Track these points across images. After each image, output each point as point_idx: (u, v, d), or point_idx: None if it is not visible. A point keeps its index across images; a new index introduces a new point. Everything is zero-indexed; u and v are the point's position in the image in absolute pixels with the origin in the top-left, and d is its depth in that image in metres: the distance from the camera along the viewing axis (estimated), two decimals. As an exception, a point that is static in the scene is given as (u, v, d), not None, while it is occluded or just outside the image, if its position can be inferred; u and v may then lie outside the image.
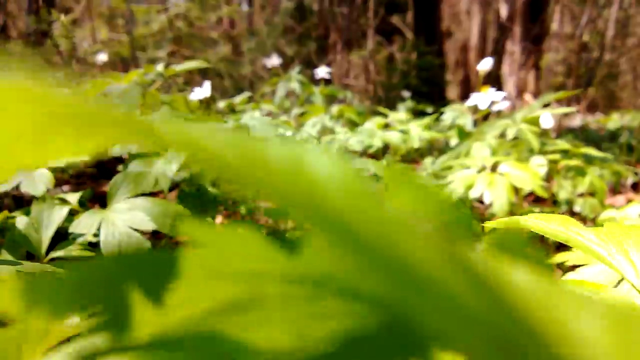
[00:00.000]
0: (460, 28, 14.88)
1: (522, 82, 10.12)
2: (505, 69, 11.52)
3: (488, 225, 0.48)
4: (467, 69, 13.81)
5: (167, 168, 1.01)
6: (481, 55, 10.89)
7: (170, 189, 0.98)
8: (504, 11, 11.12)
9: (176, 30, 6.91)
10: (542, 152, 1.52)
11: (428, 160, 1.88)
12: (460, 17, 14.85)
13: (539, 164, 1.47)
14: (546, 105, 1.82)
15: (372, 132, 2.01)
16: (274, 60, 3.06)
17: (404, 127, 2.11)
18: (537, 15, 11.71)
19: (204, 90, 1.82)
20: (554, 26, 16.71)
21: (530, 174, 1.29)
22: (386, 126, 2.24)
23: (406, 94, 3.30)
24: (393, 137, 1.95)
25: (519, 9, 11.45)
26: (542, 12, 11.69)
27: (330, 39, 9.98)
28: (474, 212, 1.71)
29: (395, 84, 8.70)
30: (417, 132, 2.05)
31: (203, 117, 1.57)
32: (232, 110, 2.87)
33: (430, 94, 9.12)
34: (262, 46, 7.71)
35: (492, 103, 2.32)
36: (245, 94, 2.79)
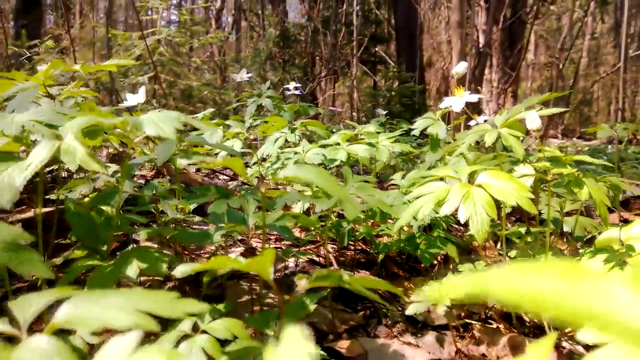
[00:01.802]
0: (441, 58, 14.85)
1: (500, 109, 9.95)
2: (484, 97, 11.40)
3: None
4: (448, 97, 13.71)
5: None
6: (461, 83, 10.75)
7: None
8: (482, 41, 11.03)
9: (158, 56, 6.64)
10: (526, 162, 1.22)
11: (397, 176, 1.58)
12: (441, 47, 14.83)
13: (525, 174, 1.17)
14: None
15: (336, 147, 1.71)
16: (243, 75, 2.77)
17: (373, 140, 1.82)
18: (513, 46, 11.66)
19: (137, 97, 1.51)
20: (530, 55, 16.76)
21: (514, 185, 0.99)
22: (355, 140, 1.95)
23: (382, 111, 3.01)
24: (359, 150, 1.65)
25: (497, 39, 11.39)
26: (518, 42, 11.63)
27: (316, 68, 9.80)
28: (451, 235, 1.39)
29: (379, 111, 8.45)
30: (387, 144, 1.75)
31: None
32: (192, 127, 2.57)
33: (410, 122, 8.92)
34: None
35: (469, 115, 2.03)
36: (209, 111, 2.50)
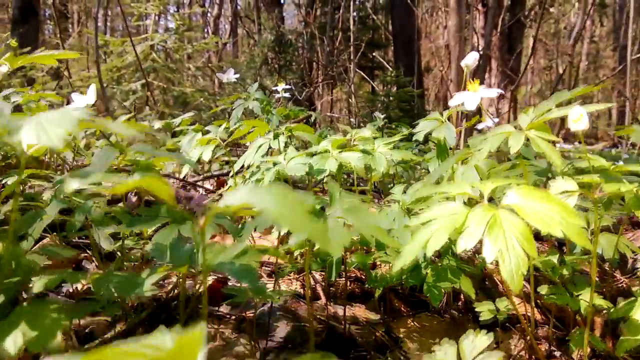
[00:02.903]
0: (439, 62, 14.59)
1: (500, 113, 9.68)
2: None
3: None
4: (447, 102, 13.44)
5: None
6: (460, 88, 10.49)
7: None
8: (482, 45, 10.78)
9: (151, 62, 6.37)
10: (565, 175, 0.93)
11: (398, 189, 1.30)
12: (439, 52, 14.57)
13: (567, 191, 0.88)
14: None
15: (325, 155, 1.43)
16: (230, 75, 2.49)
17: (369, 147, 1.53)
18: (512, 49, 11.40)
19: (86, 97, 1.24)
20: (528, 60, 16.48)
21: (557, 208, 0.71)
22: (348, 146, 1.67)
23: (380, 115, 2.73)
24: (352, 158, 1.37)
25: (496, 43, 11.14)
26: (517, 46, 11.38)
27: (313, 74, 9.53)
28: (463, 264, 1.10)
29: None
30: (384, 152, 1.47)
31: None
32: (172, 132, 2.29)
33: (411, 126, 8.65)
34: (242, 78, 7.20)
35: (480, 116, 1.76)
36: (188, 115, 2.22)
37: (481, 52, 9.33)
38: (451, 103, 1.07)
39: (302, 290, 1.28)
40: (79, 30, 13.90)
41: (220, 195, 1.98)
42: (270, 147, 1.73)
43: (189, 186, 1.99)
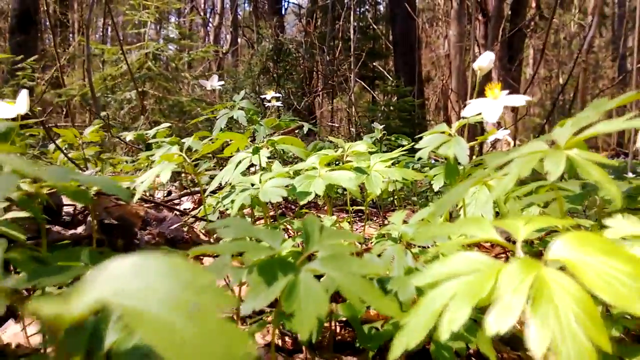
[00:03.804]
0: (440, 72, 14.38)
1: (500, 125, 9.45)
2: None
3: None
4: (447, 112, 13.21)
5: None
6: (461, 98, 10.28)
7: None
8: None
9: (146, 70, 6.15)
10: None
11: (397, 217, 1.05)
12: (440, 62, 14.37)
13: (635, 236, 0.64)
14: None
15: (311, 174, 1.19)
16: (214, 82, 2.26)
17: (363, 164, 1.30)
18: (513, 60, 11.18)
19: (16, 106, 1.00)
20: (528, 69, 16.29)
21: (634, 271, 0.47)
22: (339, 162, 1.43)
23: (378, 125, 2.49)
24: (342, 179, 1.13)
25: (496, 53, 10.93)
26: (517, 56, 11.16)
27: (312, 83, 9.32)
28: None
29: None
30: (381, 170, 1.23)
31: None
32: (146, 144, 2.05)
33: (411, 136, 8.44)
34: (240, 87, 6.98)
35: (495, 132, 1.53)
36: (164, 126, 1.98)
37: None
38: (466, 113, 0.83)
39: (280, 341, 1.03)
40: (79, 40, 13.72)
41: (195, 217, 1.74)
42: (253, 164, 1.49)
43: (162, 206, 1.76)
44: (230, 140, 1.46)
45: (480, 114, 0.81)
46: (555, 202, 0.93)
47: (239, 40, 13.68)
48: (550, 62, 15.91)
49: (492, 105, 0.78)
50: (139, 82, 6.16)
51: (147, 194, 2.29)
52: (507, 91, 0.83)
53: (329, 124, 10.58)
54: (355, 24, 10.96)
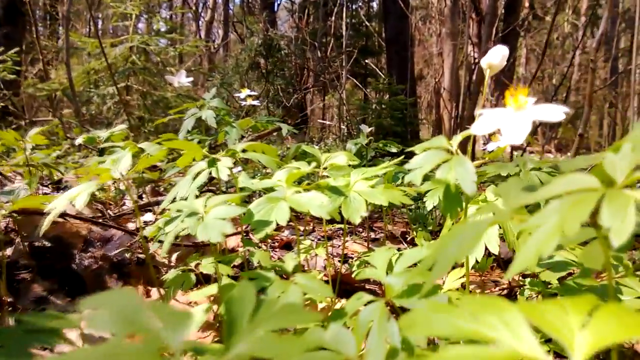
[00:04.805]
0: (433, 71, 14.13)
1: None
2: (478, 110, 10.64)
3: None
4: (439, 111, 12.98)
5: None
6: (454, 97, 10.04)
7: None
8: (476, 54, 10.37)
9: (130, 64, 5.85)
10: None
11: (379, 259, 0.80)
12: (432, 60, 14.12)
13: None
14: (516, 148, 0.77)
15: (273, 197, 0.94)
16: (181, 78, 2.00)
17: (342, 181, 1.04)
18: (507, 59, 10.94)
19: None
20: (521, 69, 16.10)
21: None
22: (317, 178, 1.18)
23: (366, 128, 2.24)
24: (312, 204, 0.88)
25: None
26: (511, 55, 10.94)
27: (303, 80, 9.04)
28: None
29: (369, 124, 7.73)
30: (363, 191, 0.98)
31: None
32: (100, 149, 1.79)
33: (403, 134, 8.18)
34: (228, 83, 6.70)
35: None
36: (120, 127, 1.72)
37: (477, 61, 8.89)
38: (477, 129, 0.57)
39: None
40: (63, 32, 13.34)
41: (146, 238, 1.48)
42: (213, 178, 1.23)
43: (111, 222, 1.50)
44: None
45: (495, 132, 0.56)
46: (592, 243, 0.68)
47: (230, 35, 13.35)
48: (543, 62, 15.70)
49: (516, 120, 0.53)
50: (123, 76, 5.87)
51: (94, 206, 2.02)
52: (534, 99, 0.58)
53: (321, 121, 10.31)
54: (348, 20, 10.68)
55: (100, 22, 14.52)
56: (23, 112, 6.79)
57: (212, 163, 1.11)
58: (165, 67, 6.25)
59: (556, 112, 0.54)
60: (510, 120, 0.54)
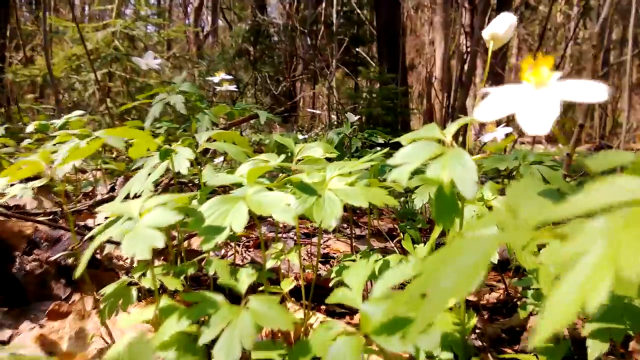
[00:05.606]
0: (424, 60, 13.94)
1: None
2: (470, 101, 10.49)
3: None
4: (431, 101, 12.80)
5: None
6: (445, 87, 9.87)
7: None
8: (468, 43, 10.22)
9: (113, 50, 5.61)
10: None
11: (355, 279, 0.64)
12: (424, 50, 13.91)
13: None
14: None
15: (230, 197, 0.78)
16: (149, 60, 1.81)
17: (316, 176, 0.88)
18: (499, 49, 10.79)
19: None
20: (513, 60, 15.94)
21: None
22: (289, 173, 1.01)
23: (353, 116, 2.07)
24: (275, 205, 0.72)
25: (482, 42, 10.52)
26: (503, 45, 10.78)
27: (292, 67, 8.81)
28: None
29: (359, 113, 7.57)
30: (339, 190, 0.82)
31: None
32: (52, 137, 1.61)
33: (394, 124, 8.02)
34: (214, 69, 6.48)
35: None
36: (77, 113, 1.54)
37: (469, 51, 8.73)
38: (481, 113, 0.41)
39: None
40: (49, 17, 12.95)
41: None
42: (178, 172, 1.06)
43: (61, 221, 1.33)
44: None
45: (508, 118, 0.40)
46: None
47: (218, 21, 13.03)
48: (533, 52, 15.55)
49: (538, 101, 0.37)
50: (105, 62, 5.63)
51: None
52: (559, 74, 0.42)
53: (310, 110, 10.11)
54: (339, 8, 10.45)
55: (87, 7, 14.12)
56: (8, 99, 6.53)
57: (166, 154, 0.94)
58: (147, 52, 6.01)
59: (596, 91, 0.38)
60: (531, 101, 0.38)
